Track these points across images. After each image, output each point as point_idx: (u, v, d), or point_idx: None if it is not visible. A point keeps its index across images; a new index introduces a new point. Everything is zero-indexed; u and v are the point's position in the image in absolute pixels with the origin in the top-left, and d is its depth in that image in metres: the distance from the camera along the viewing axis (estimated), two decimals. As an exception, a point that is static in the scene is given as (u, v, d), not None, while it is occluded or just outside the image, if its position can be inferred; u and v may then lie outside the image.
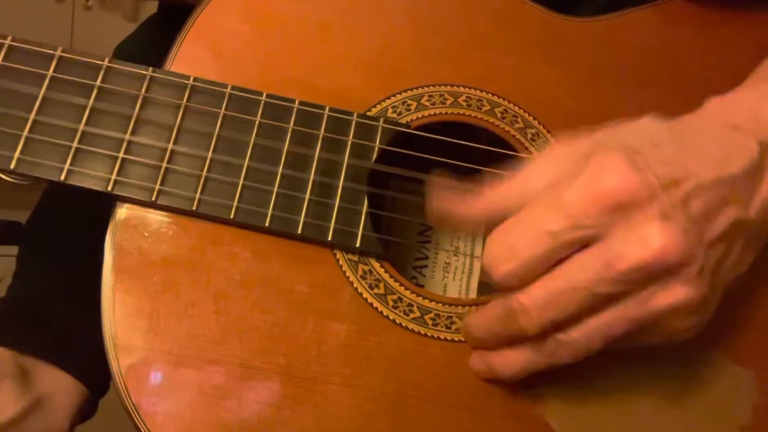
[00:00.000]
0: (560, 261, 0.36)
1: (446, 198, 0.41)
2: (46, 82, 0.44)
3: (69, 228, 0.60)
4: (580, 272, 0.35)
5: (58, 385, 0.54)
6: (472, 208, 0.40)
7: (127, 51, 0.66)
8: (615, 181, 0.35)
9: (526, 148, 0.48)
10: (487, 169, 0.47)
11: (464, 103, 0.49)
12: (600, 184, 0.35)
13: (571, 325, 0.37)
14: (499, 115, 0.49)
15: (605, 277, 0.35)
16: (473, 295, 0.56)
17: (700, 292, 0.36)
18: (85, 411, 0.58)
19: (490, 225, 0.39)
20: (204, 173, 0.43)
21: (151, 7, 0.65)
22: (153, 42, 0.65)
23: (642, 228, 0.34)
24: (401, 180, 0.50)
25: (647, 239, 0.34)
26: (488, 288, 0.55)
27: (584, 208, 0.35)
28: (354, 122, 0.46)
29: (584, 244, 0.36)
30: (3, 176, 0.46)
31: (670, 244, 0.34)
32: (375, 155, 0.46)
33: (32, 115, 0.43)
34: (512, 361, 0.40)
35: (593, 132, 0.39)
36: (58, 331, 0.56)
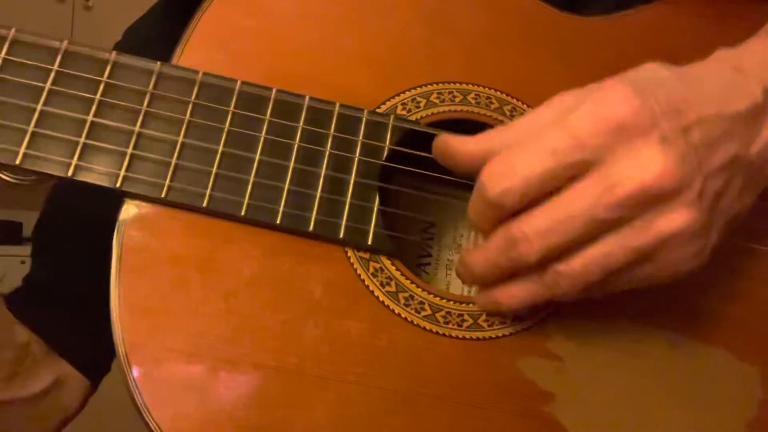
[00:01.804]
0: (558, 190, 0.37)
1: (448, 135, 0.42)
2: (52, 76, 0.43)
3: (77, 224, 0.61)
4: (580, 199, 0.36)
5: (71, 371, 0.57)
6: (472, 142, 0.40)
7: (137, 36, 0.65)
8: (619, 105, 0.36)
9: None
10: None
11: (473, 101, 0.49)
12: (605, 108, 0.36)
13: (571, 254, 0.37)
14: (507, 113, 0.49)
15: (605, 202, 0.35)
16: (476, 292, 0.56)
17: (699, 216, 0.36)
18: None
19: None
20: (214, 170, 0.43)
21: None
22: (164, 28, 0.64)
23: (641, 152, 0.35)
24: (405, 176, 0.50)
25: (646, 163, 0.35)
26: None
27: (588, 129, 0.36)
28: (364, 119, 0.46)
29: (584, 170, 0.36)
30: (2, 176, 0.46)
31: (669, 168, 0.35)
32: (386, 152, 0.46)
33: (38, 110, 0.42)
34: (515, 292, 0.40)
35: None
36: (67, 331, 0.57)
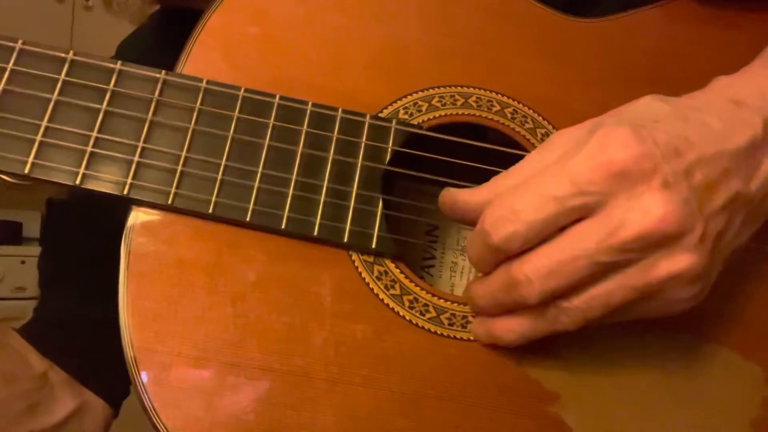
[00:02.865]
0: (561, 230, 0.37)
1: (454, 189, 0.42)
2: (59, 86, 0.44)
3: (82, 250, 0.62)
4: (583, 241, 0.36)
5: (92, 398, 0.58)
6: (479, 193, 0.41)
7: (130, 51, 0.66)
8: (620, 150, 0.36)
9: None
10: (497, 169, 0.48)
11: (474, 104, 0.49)
12: (606, 153, 0.36)
13: (573, 292, 0.38)
14: (509, 115, 0.49)
15: (608, 245, 0.36)
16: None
17: (701, 260, 0.37)
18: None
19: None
20: (219, 176, 0.44)
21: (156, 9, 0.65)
22: (155, 42, 0.65)
23: (644, 197, 0.35)
24: (409, 180, 0.51)
25: (649, 208, 0.35)
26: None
27: (589, 175, 0.36)
28: (367, 124, 0.46)
29: (586, 214, 0.36)
30: (2, 176, 0.46)
31: (671, 212, 0.35)
32: (388, 156, 0.46)
33: (45, 120, 0.43)
34: (513, 327, 0.41)
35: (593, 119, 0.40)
36: (87, 358, 0.58)
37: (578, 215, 0.36)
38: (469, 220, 0.41)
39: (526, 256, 0.38)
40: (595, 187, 0.36)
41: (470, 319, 0.44)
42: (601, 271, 0.36)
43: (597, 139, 0.36)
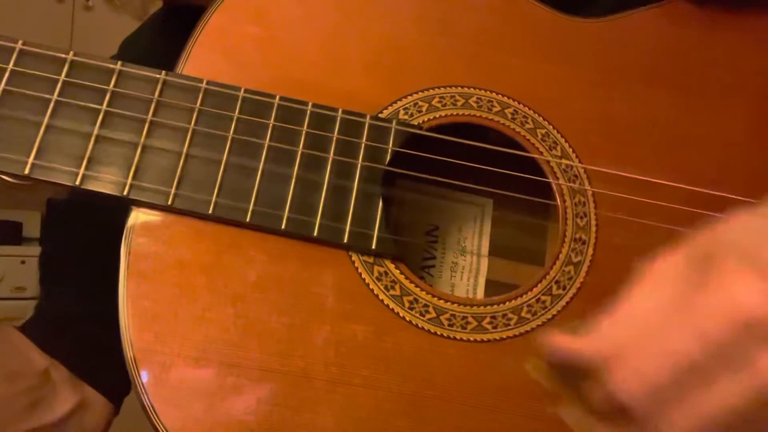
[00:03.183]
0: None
1: (555, 332, 0.37)
2: (59, 86, 0.44)
3: (82, 248, 0.62)
4: (729, 398, 0.32)
5: (94, 395, 0.58)
6: (589, 343, 0.35)
7: (133, 48, 0.66)
8: (749, 298, 0.31)
9: (537, 149, 0.49)
10: (497, 169, 0.48)
11: (475, 104, 0.49)
12: (732, 302, 0.31)
13: None
14: (509, 115, 0.49)
15: (759, 401, 0.31)
16: (481, 293, 0.57)
17: None
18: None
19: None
20: (219, 176, 0.44)
21: (158, 5, 0.65)
22: (159, 40, 0.65)
23: None
24: (409, 180, 0.51)
25: None
26: (496, 287, 0.55)
27: (719, 329, 0.31)
28: (367, 124, 0.46)
29: (722, 367, 0.32)
30: (2, 176, 0.46)
31: None
32: (389, 157, 0.46)
33: (45, 120, 0.43)
34: None
35: (688, 241, 0.35)
36: (88, 355, 0.58)
37: (712, 371, 0.32)
38: (573, 367, 0.36)
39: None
40: (728, 341, 0.31)
41: (470, 320, 0.44)
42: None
43: (717, 285, 0.32)
